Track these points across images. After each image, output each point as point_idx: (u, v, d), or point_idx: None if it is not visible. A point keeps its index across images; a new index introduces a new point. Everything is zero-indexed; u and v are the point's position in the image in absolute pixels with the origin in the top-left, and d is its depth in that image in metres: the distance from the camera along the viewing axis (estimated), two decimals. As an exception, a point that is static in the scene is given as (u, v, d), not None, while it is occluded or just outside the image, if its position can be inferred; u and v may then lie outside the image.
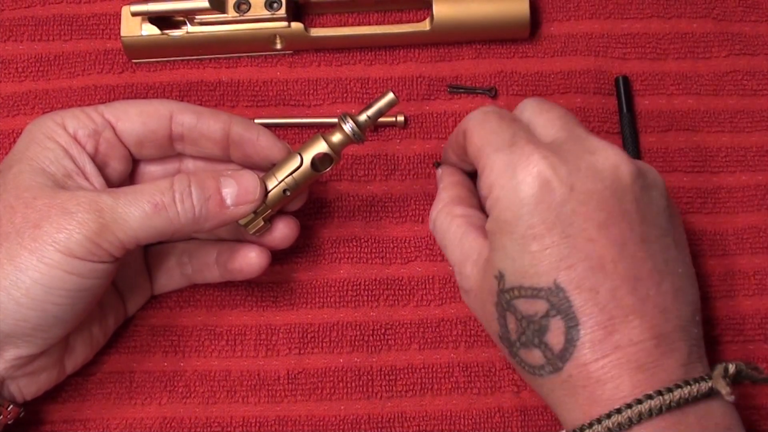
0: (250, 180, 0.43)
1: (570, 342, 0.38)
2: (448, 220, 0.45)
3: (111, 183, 0.44)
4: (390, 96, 0.43)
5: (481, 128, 0.41)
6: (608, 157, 0.39)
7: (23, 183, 0.40)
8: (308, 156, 0.44)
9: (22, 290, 0.38)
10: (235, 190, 0.42)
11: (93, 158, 0.43)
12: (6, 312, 0.39)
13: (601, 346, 0.37)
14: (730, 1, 0.56)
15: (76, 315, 0.41)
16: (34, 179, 0.41)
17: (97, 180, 0.43)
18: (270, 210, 0.44)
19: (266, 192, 0.43)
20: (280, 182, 0.44)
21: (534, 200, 0.38)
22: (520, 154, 0.39)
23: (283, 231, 0.46)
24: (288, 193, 0.44)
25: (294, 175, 0.44)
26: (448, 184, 0.47)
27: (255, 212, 0.44)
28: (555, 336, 0.38)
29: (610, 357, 0.37)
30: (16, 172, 0.41)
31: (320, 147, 0.44)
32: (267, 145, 0.45)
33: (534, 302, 0.38)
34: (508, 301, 0.39)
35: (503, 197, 0.39)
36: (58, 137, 0.42)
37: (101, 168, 0.44)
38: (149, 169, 0.47)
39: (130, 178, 0.46)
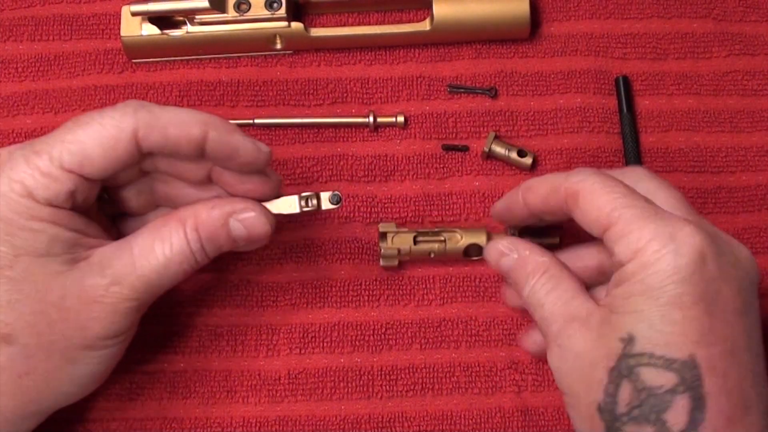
0: (256, 223, 0.41)
1: (693, 424, 0.36)
2: (554, 281, 0.42)
3: (87, 208, 0.41)
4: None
5: (609, 192, 0.39)
6: (743, 249, 0.40)
7: (41, 282, 0.38)
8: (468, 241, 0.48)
9: (80, 383, 0.41)
10: (244, 235, 0.41)
11: (74, 210, 0.40)
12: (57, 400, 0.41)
13: None
14: (730, 1, 0.56)
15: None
16: (48, 270, 0.38)
17: (95, 229, 0.41)
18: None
19: (274, 223, 0.42)
20: (431, 241, 0.49)
21: (689, 270, 0.37)
22: (674, 223, 0.38)
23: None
24: (432, 256, 0.49)
25: (448, 247, 0.49)
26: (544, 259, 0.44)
27: (398, 258, 0.49)
28: (676, 415, 0.36)
29: None
30: (23, 269, 0.38)
31: (481, 239, 0.48)
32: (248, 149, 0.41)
33: (663, 373, 0.36)
34: (631, 367, 0.37)
35: (655, 262, 0.37)
36: (38, 214, 0.38)
37: (78, 210, 0.40)
38: (124, 193, 0.44)
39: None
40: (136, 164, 0.41)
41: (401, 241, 0.49)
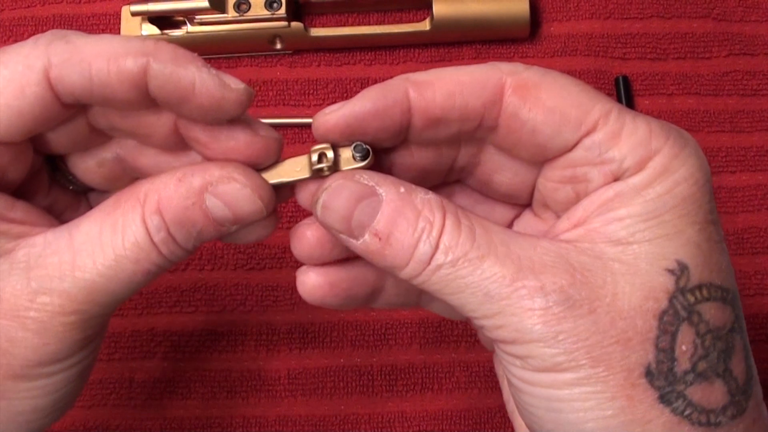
0: (239, 197, 0.29)
1: (750, 369, 0.28)
2: (468, 223, 0.29)
3: (15, 183, 0.30)
4: None
5: (579, 84, 0.29)
6: None
7: None
8: None
9: (19, 420, 0.30)
10: (228, 216, 0.29)
11: None
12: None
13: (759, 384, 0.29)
14: (730, 1, 0.56)
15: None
16: None
17: (25, 212, 0.29)
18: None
19: (272, 197, 0.30)
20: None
21: (710, 178, 0.29)
22: (666, 123, 0.30)
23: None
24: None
25: None
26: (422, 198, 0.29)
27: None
28: (738, 361, 0.28)
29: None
30: None
31: None
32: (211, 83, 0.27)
33: (722, 308, 0.28)
34: (690, 305, 0.27)
35: (679, 168, 0.28)
36: None
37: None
38: (81, 163, 0.32)
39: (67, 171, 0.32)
40: (61, 118, 0.29)
41: None
